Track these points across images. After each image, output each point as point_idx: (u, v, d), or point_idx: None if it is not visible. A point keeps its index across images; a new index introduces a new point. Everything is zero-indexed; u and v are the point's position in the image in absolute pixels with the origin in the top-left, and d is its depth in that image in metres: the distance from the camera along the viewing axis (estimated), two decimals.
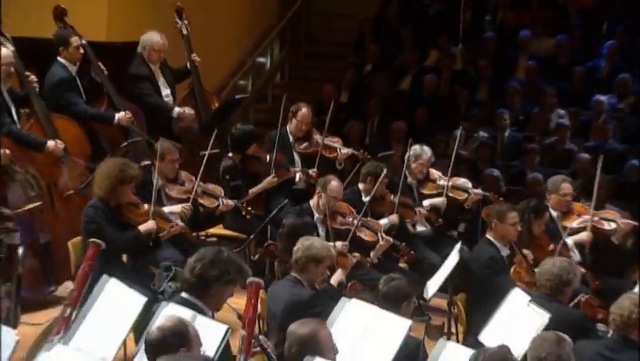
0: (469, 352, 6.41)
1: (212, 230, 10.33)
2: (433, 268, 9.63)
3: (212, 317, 6.55)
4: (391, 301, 7.02)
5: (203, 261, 6.56)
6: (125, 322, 6.32)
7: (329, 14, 17.65)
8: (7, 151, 9.38)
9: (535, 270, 8.41)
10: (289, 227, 8.71)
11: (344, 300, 7.16)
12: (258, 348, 6.30)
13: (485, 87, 15.77)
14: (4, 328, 5.22)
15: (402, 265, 10.26)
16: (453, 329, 8.95)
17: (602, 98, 14.60)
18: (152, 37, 11.36)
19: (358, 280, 8.99)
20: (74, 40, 10.63)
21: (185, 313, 6.10)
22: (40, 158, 9.95)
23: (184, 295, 6.57)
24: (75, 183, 10.14)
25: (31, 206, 9.53)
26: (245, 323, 5.37)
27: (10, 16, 10.53)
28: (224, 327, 5.77)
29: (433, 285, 8.75)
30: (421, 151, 10.83)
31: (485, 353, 5.88)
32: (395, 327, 6.59)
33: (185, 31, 11.77)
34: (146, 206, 9.06)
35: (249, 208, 10.17)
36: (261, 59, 17.52)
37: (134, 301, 6.47)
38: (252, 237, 9.33)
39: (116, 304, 6.43)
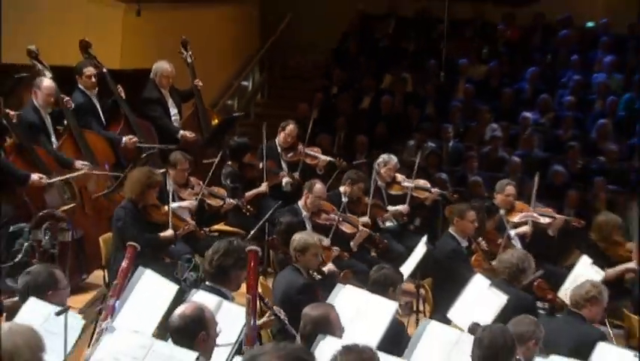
0: (447, 328, 6.56)
1: (215, 226, 10.27)
2: (399, 257, 9.77)
3: (233, 299, 6.63)
4: (380, 287, 7.09)
5: (219, 253, 6.64)
6: (160, 307, 6.36)
7: (300, 45, 17.61)
8: (42, 177, 9.30)
9: (496, 259, 8.45)
10: (286, 224, 8.82)
11: (339, 286, 7.22)
12: (273, 317, 6.41)
13: (431, 106, 15.82)
14: (71, 312, 5.23)
15: (373, 254, 10.30)
16: (420, 308, 9.13)
17: (527, 114, 14.75)
18: (162, 66, 11.41)
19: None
20: (87, 71, 10.63)
21: (212, 299, 6.15)
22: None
23: (208, 283, 6.64)
24: (102, 188, 10.12)
25: (66, 207, 9.56)
26: (248, 285, 5.36)
27: (42, 44, 10.54)
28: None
29: (405, 271, 8.71)
30: (389, 159, 10.98)
31: (486, 328, 5.82)
32: (384, 308, 6.66)
33: (189, 60, 11.77)
34: (166, 207, 9.10)
35: (249, 207, 10.28)
36: (245, 82, 17.54)
37: (167, 289, 6.51)
38: (252, 232, 9.31)
39: (151, 291, 6.43)
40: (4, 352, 3.52)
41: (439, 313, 8.22)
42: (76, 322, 5.05)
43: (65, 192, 9.76)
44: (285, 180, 11.13)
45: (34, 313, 5.38)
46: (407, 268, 8.82)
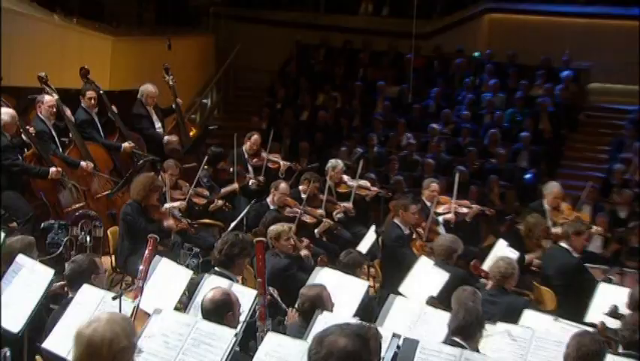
0: (412, 302, 6.53)
1: (200, 220, 9.93)
2: (347, 242, 9.76)
3: (239, 282, 6.56)
4: (350, 268, 7.07)
5: (227, 244, 6.62)
6: (176, 290, 6.24)
7: (249, 68, 17.48)
8: (60, 168, 9.23)
9: (434, 243, 8.41)
10: (271, 218, 8.74)
11: (318, 269, 7.18)
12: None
13: (358, 118, 15.82)
14: (124, 298, 5.09)
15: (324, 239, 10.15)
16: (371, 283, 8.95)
17: (434, 125, 14.81)
18: (148, 87, 11.21)
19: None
20: (89, 94, 10.53)
21: (224, 282, 6.07)
22: (79, 172, 9.74)
23: (217, 268, 6.56)
24: (102, 189, 9.97)
25: (76, 206, 9.43)
26: (258, 271, 5.33)
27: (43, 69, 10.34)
28: (254, 292, 5.72)
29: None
30: (337, 163, 10.95)
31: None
32: (358, 286, 6.66)
33: (171, 83, 11.57)
34: (165, 207, 9.00)
35: (227, 203, 10.16)
36: (205, 100, 17.29)
37: (182, 274, 6.39)
38: (234, 224, 9.01)
39: (167, 276, 6.34)
40: (105, 339, 3.40)
41: (387, 288, 8.22)
42: (127, 304, 4.92)
43: (74, 193, 9.57)
44: (252, 181, 10.94)
45: (89, 297, 5.24)
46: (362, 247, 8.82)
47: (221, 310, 4.93)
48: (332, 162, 11.07)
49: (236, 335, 4.48)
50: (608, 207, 12.52)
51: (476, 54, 17.15)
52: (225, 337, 4.46)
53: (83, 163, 9.65)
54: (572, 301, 7.83)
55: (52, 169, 9.12)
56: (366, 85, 16.56)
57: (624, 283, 8.82)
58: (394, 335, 5.20)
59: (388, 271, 8.80)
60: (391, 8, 18.40)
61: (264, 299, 5.18)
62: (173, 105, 11.65)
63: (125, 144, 10.48)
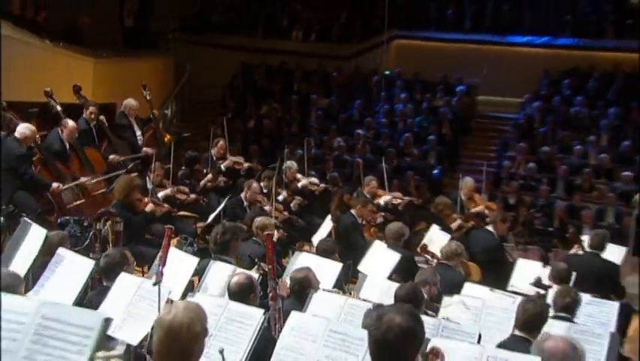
0: (382, 280, 6.53)
1: (180, 213, 9.64)
2: (304, 230, 9.77)
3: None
4: (327, 253, 6.99)
5: (219, 233, 6.57)
6: (186, 275, 6.07)
7: (202, 84, 17.22)
8: (60, 184, 8.87)
9: (385, 229, 8.36)
10: (253, 212, 8.68)
11: (297, 253, 7.14)
12: None
13: (296, 126, 15.78)
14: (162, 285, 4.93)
15: None
16: None
17: (359, 130, 14.86)
18: (130, 101, 10.97)
19: None
20: (90, 109, 10.29)
21: (228, 267, 5.96)
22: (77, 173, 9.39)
23: (215, 255, 6.44)
24: (97, 188, 9.55)
25: (77, 203, 9.07)
26: (268, 258, 5.26)
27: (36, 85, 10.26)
28: (256, 275, 5.66)
29: (317, 239, 8.74)
30: (291, 164, 11.01)
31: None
32: (333, 268, 6.60)
33: (148, 98, 11.31)
34: (146, 199, 8.75)
35: (205, 198, 10.00)
36: (166, 111, 16.82)
37: (190, 261, 6.24)
38: (212, 216, 8.93)
39: (177, 263, 6.11)
40: (183, 324, 3.29)
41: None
42: (164, 289, 4.79)
43: (75, 191, 9.25)
44: (220, 179, 10.74)
45: (127, 284, 5.09)
46: (319, 236, 8.79)
47: (246, 293, 4.85)
48: (288, 163, 11.05)
49: (264, 313, 4.43)
50: (499, 196, 12.86)
51: (387, 72, 17.20)
52: (255, 316, 4.38)
53: (54, 184, 8.90)
54: (494, 274, 7.98)
55: (54, 185, 8.75)
56: (301, 98, 16.51)
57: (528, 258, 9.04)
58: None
59: (346, 252, 8.65)
60: (318, 35, 18.33)
61: (275, 282, 5.12)
62: (151, 116, 11.42)
63: (112, 157, 10.16)
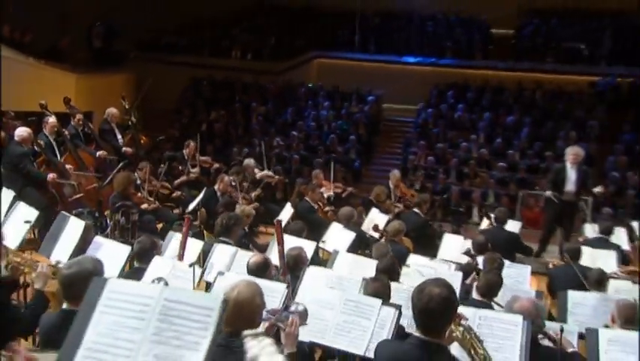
0: (350, 255, 6.43)
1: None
2: (264, 214, 9.67)
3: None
4: (298, 233, 6.93)
5: (225, 218, 6.48)
6: (193, 255, 5.94)
7: (159, 95, 16.45)
8: (55, 175, 8.46)
9: (339, 212, 8.36)
10: (224, 202, 8.50)
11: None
12: None
13: (241, 129, 15.55)
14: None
15: None
16: None
17: (294, 132, 14.81)
18: (112, 110, 10.69)
19: None
20: (77, 116, 9.99)
21: (231, 249, 5.86)
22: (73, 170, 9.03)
23: (220, 238, 6.32)
24: (90, 183, 9.26)
25: (76, 196, 8.73)
26: (278, 241, 5.14)
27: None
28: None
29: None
30: (249, 162, 10.80)
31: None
32: (308, 246, 6.44)
33: (127, 107, 10.99)
34: (139, 194, 8.56)
35: (183, 193, 9.76)
36: (133, 118, 16.09)
37: (196, 245, 6.12)
38: (192, 206, 8.74)
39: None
40: (246, 299, 3.27)
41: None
42: (198, 271, 4.68)
43: (75, 187, 8.86)
44: (193, 176, 10.49)
45: (161, 265, 4.94)
46: (283, 217, 8.67)
47: (263, 270, 4.77)
48: (246, 161, 10.90)
49: (287, 286, 4.39)
50: (407, 184, 13.09)
51: (310, 85, 17.24)
52: (279, 289, 4.34)
53: (49, 175, 8.48)
54: (423, 248, 8.01)
55: (50, 175, 8.36)
56: (243, 106, 16.26)
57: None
58: None
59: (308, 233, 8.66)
60: (253, 54, 18.16)
61: (284, 261, 5.07)
62: (129, 123, 11.05)
63: (100, 152, 9.84)
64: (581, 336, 4.32)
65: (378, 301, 4.00)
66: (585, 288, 5.67)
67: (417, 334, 2.93)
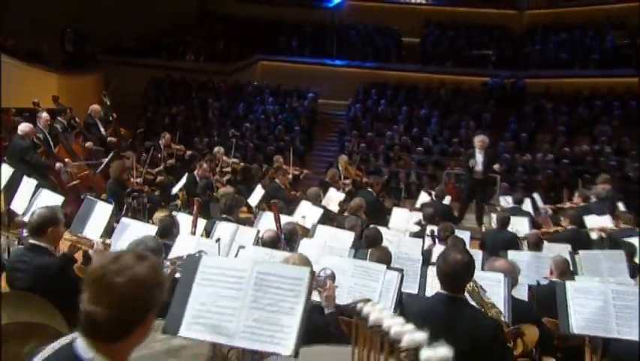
0: (330, 229, 6.34)
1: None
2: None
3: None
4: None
5: (228, 200, 6.32)
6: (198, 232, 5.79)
7: (124, 94, 15.64)
8: (61, 164, 8.17)
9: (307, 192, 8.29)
10: (204, 185, 8.29)
11: (262, 212, 6.98)
12: None
13: (199, 121, 15.17)
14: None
15: None
16: None
17: (247, 124, 14.61)
18: (95, 106, 10.25)
19: None
20: (68, 112, 9.53)
21: (233, 226, 5.74)
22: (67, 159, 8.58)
23: (223, 215, 6.21)
24: (82, 171, 8.79)
25: (72, 183, 8.37)
26: (275, 219, 5.19)
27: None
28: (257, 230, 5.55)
29: (254, 200, 8.63)
30: (218, 149, 10.53)
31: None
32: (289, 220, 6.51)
33: (108, 103, 10.50)
34: (131, 180, 8.28)
35: (171, 178, 9.48)
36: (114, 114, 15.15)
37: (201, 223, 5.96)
38: (176, 188, 8.58)
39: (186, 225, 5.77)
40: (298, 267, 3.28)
41: None
42: (223, 247, 4.60)
43: (71, 174, 8.47)
44: (170, 163, 10.21)
45: (187, 241, 4.80)
46: (254, 199, 8.67)
47: (276, 242, 4.78)
48: (216, 149, 10.67)
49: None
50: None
51: (256, 84, 17.02)
52: None
53: (57, 164, 8.22)
54: (375, 220, 7.84)
55: (57, 165, 8.02)
56: (200, 102, 15.89)
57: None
58: None
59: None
60: (205, 57, 17.63)
61: (284, 235, 5.04)
62: (111, 118, 10.57)
63: (88, 143, 9.42)
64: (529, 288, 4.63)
65: (383, 267, 4.07)
66: (517, 248, 6.01)
67: (442, 291, 3.02)
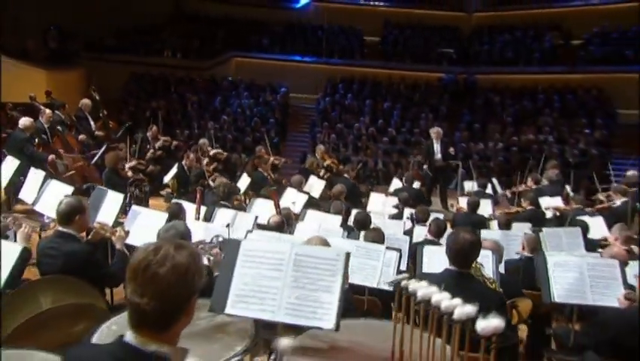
0: (318, 213, 6.42)
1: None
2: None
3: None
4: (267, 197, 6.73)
5: (226, 188, 6.20)
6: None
7: (107, 87, 15.10)
8: (54, 156, 7.86)
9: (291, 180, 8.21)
10: (196, 174, 8.15)
11: (254, 199, 6.85)
12: None
13: (179, 114, 14.79)
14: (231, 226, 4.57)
15: None
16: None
17: (224, 117, 14.33)
18: (85, 101, 10.02)
19: None
20: (65, 107, 9.38)
21: (231, 212, 5.68)
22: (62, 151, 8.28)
23: (222, 202, 6.11)
24: (76, 162, 8.47)
25: (69, 173, 8.02)
26: (275, 205, 5.15)
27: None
28: (255, 215, 5.48)
29: (242, 186, 8.38)
30: (204, 141, 10.30)
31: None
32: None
33: (97, 98, 10.15)
34: (125, 170, 8.02)
35: (159, 167, 9.25)
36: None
37: (203, 209, 5.82)
38: (167, 179, 8.38)
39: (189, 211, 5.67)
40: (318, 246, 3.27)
41: None
42: (234, 233, 4.52)
43: (67, 166, 8.15)
44: (158, 153, 9.91)
45: (200, 229, 4.70)
46: (241, 187, 8.45)
47: (282, 227, 4.74)
48: (201, 140, 10.45)
49: None
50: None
51: (230, 78, 16.73)
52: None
53: (50, 156, 7.92)
54: (353, 204, 7.95)
55: (50, 157, 7.74)
56: (179, 96, 15.51)
57: None
58: None
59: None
60: (182, 54, 17.19)
61: (280, 214, 5.00)
62: (101, 114, 10.21)
63: (81, 136, 9.17)
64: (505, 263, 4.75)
65: (382, 247, 4.11)
66: (485, 227, 6.18)
67: (451, 267, 3.08)
